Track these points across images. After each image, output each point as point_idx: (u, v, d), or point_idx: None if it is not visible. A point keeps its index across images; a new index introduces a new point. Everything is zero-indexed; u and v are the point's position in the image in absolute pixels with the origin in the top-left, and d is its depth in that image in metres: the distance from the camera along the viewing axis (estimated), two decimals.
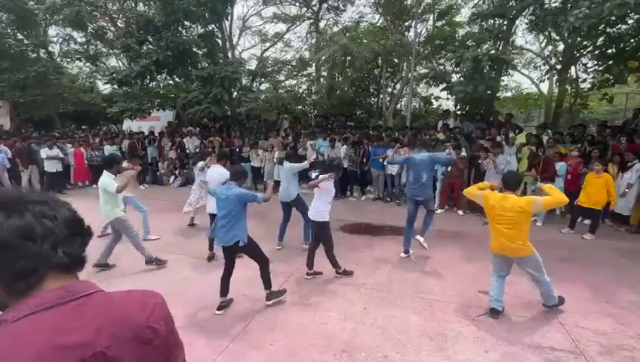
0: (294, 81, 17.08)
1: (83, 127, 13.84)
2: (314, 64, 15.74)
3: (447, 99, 12.21)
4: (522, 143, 6.93)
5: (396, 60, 13.50)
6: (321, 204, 3.74)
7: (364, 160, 8.02)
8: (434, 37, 11.99)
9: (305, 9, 15.67)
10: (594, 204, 5.23)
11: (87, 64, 15.84)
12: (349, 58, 13.06)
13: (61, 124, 14.69)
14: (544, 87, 14.03)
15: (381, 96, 14.19)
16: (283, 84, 16.78)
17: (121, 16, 14.00)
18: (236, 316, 3.11)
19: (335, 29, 15.34)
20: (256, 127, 11.42)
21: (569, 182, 6.17)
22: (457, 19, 12.57)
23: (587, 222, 5.63)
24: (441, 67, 12.25)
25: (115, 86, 11.43)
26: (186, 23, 11.13)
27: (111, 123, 14.54)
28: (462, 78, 9.29)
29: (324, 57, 13.69)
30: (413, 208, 4.50)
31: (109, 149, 9.84)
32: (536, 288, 3.19)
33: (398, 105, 14.81)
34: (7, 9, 12.92)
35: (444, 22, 12.49)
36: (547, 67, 12.26)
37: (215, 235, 3.22)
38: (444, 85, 9.70)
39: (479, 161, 6.55)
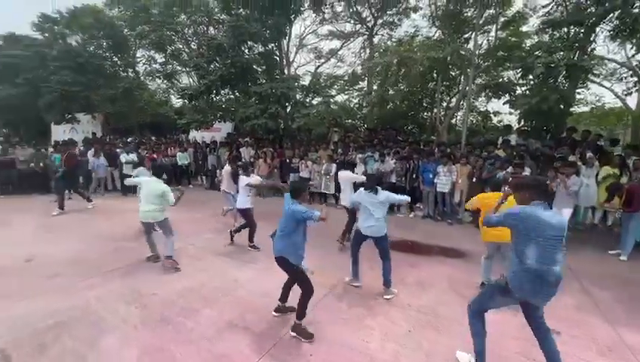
0: (346, 96, 17.37)
1: (153, 137, 15.64)
2: (366, 78, 15.86)
3: (510, 113, 11.33)
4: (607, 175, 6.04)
5: (453, 74, 12.97)
6: None
7: (414, 175, 7.76)
8: (496, 48, 11.30)
9: (359, 25, 15.99)
10: None
11: (165, 81, 18.04)
12: (402, 70, 12.94)
13: (140, 133, 16.83)
14: (631, 101, 12.22)
15: (435, 110, 13.69)
16: (335, 99, 17.17)
17: (194, 39, 15.80)
18: (280, 322, 3.18)
19: (389, 43, 15.37)
20: (306, 139, 11.79)
21: None
22: (524, 29, 11.71)
23: None
24: (504, 79, 11.48)
25: (186, 100, 12.82)
26: (249, 43, 12.13)
27: (181, 133, 16.25)
28: (527, 91, 8.57)
29: (377, 69, 13.75)
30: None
31: (180, 156, 11.04)
32: None
33: (454, 119, 14.12)
34: (108, 36, 15.44)
35: (508, 32, 11.72)
36: (635, 78, 10.71)
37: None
38: (507, 98, 9.03)
39: (548, 182, 5.91)
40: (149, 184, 4.46)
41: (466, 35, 12.48)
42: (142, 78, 17.35)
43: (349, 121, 16.04)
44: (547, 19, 9.41)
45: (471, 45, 11.11)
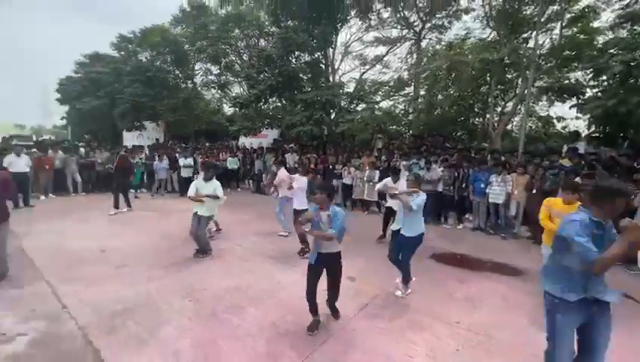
0: (391, 102, 17.11)
1: (207, 143, 16.95)
2: (412, 83, 15.46)
3: (577, 118, 10.22)
4: None
5: (509, 76, 12.09)
6: None
7: (463, 184, 7.34)
8: (561, 47, 10.28)
9: (406, 30, 15.69)
10: None
11: (218, 91, 19.48)
12: (453, 75, 12.39)
13: (195, 139, 18.31)
14: None
15: (488, 115, 12.83)
16: (379, 105, 17.00)
17: (246, 51, 16.87)
18: (322, 328, 3.20)
19: (438, 47, 14.83)
20: (349, 146, 11.81)
21: None
22: (595, 24, 10.52)
23: None
24: (570, 81, 10.41)
25: (237, 108, 13.70)
26: (296, 52, 12.61)
27: (231, 139, 17.36)
28: (600, 93, 7.65)
29: (425, 74, 13.32)
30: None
31: (230, 161, 11.80)
32: None
33: (509, 125, 13.11)
34: (172, 52, 17.18)
35: (576, 29, 10.61)
36: None
37: None
38: (574, 102, 8.15)
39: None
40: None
41: (525, 35, 11.58)
42: (199, 88, 18.96)
43: (394, 127, 15.72)
44: (626, 13, 8.38)
45: (531, 45, 10.29)
